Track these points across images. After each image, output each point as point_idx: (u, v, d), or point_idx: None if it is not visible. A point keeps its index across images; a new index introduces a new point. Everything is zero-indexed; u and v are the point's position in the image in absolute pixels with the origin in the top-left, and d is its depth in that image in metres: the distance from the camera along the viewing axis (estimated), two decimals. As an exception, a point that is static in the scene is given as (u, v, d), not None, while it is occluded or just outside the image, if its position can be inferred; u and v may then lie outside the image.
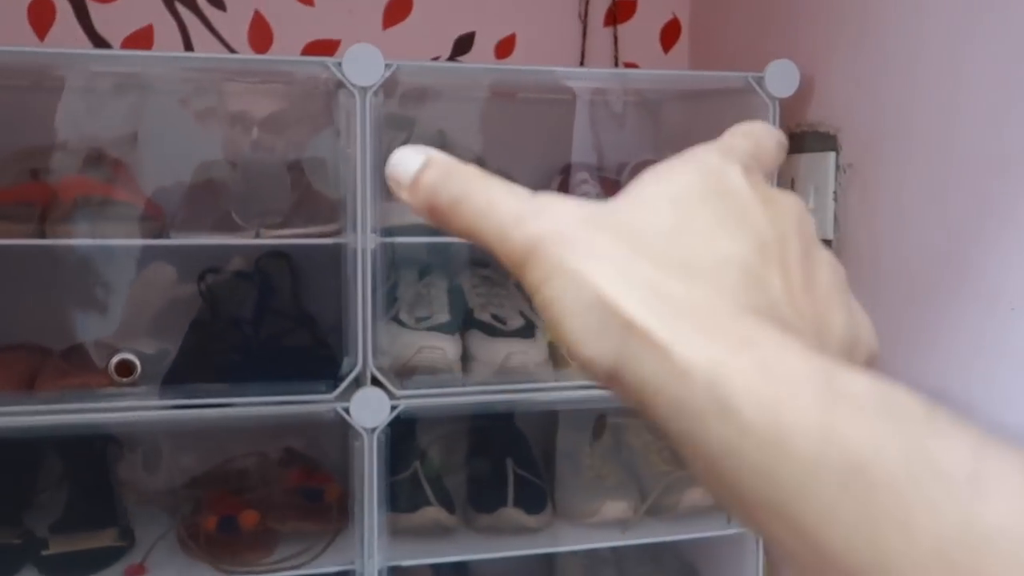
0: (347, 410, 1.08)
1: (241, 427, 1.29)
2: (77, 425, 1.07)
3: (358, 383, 1.10)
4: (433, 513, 1.19)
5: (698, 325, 0.25)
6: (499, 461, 1.28)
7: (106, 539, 1.16)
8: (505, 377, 1.17)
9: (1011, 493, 0.21)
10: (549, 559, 1.41)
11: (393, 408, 1.09)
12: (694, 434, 0.25)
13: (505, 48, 1.48)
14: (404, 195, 0.31)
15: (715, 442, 0.24)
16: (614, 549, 1.39)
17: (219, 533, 1.17)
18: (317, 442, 1.35)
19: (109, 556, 1.14)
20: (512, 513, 1.22)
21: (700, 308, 0.26)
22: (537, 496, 1.25)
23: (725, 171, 0.30)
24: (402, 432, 1.28)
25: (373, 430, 1.09)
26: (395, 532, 1.18)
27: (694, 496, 1.26)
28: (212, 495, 1.24)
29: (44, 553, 1.11)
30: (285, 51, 1.38)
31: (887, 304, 1.07)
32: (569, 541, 1.24)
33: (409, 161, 0.30)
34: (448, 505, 1.22)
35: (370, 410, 1.08)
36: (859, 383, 0.23)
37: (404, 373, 1.14)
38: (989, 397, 0.93)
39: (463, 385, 1.16)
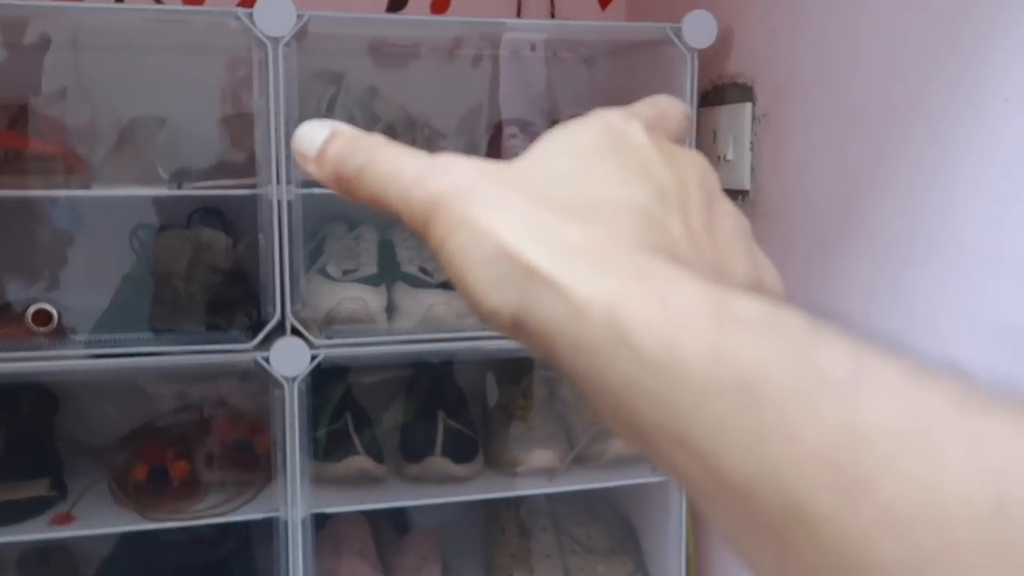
0: (267, 359, 1.10)
1: (173, 378, 1.31)
2: (3, 375, 1.09)
3: (281, 332, 1.12)
4: (360, 462, 1.21)
5: (596, 264, 0.26)
6: (430, 412, 1.30)
7: (38, 489, 1.18)
8: (428, 327, 1.19)
9: (889, 391, 0.21)
10: (487, 511, 1.44)
11: (313, 357, 1.11)
12: (596, 371, 0.25)
13: (441, 5, 1.48)
14: (311, 167, 0.31)
15: (616, 376, 0.24)
16: (549, 499, 1.42)
17: (149, 483, 1.19)
18: (251, 396, 1.37)
19: (40, 506, 1.16)
20: (439, 462, 1.24)
21: (598, 248, 0.26)
22: (466, 446, 1.28)
23: (627, 128, 0.31)
24: (332, 384, 1.31)
25: (293, 379, 1.10)
26: (322, 481, 1.20)
27: (619, 445, 1.28)
28: (145, 447, 1.26)
29: (-27, 501, 1.13)
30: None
31: (797, 251, 1.09)
32: (496, 490, 1.27)
33: (314, 134, 0.31)
34: (376, 455, 1.24)
35: (290, 359, 1.10)
36: (749, 306, 0.24)
37: (325, 323, 1.16)
38: (887, 337, 0.95)
39: (385, 335, 1.18)
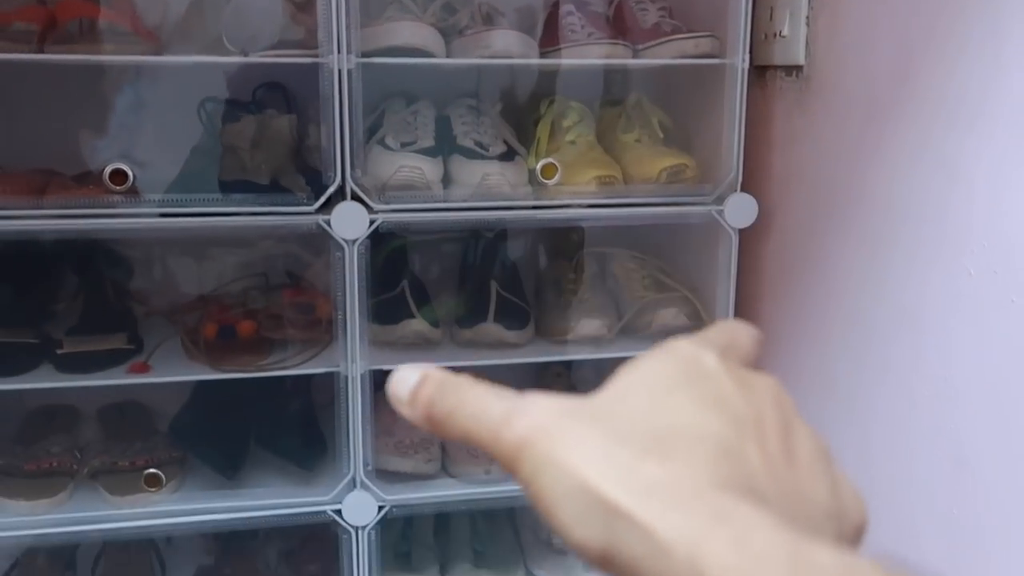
0: (328, 223, 1.15)
1: (240, 243, 1.37)
2: (85, 232, 1.16)
3: (341, 198, 1.17)
4: (416, 325, 1.27)
5: (676, 503, 0.27)
6: (484, 282, 1.35)
7: (116, 342, 1.26)
8: (482, 196, 1.22)
9: None
10: (537, 376, 1.50)
11: (372, 222, 1.16)
12: None
13: None
14: (405, 410, 0.33)
15: None
16: (596, 368, 1.47)
17: (218, 339, 1.27)
18: (314, 264, 1.43)
19: (117, 357, 1.24)
20: (492, 328, 1.29)
21: (677, 486, 0.28)
22: (518, 314, 1.33)
23: (699, 356, 0.32)
24: (391, 251, 1.36)
25: (353, 241, 1.16)
26: (380, 344, 1.26)
27: (666, 317, 1.32)
28: (213, 309, 1.34)
29: (59, 352, 1.22)
30: None
31: (849, 126, 1.10)
32: (546, 355, 1.32)
33: (407, 379, 0.34)
34: (432, 320, 1.30)
35: (350, 223, 1.15)
36: (824, 555, 0.25)
37: (384, 191, 1.20)
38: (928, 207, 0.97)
39: (441, 203, 1.22)
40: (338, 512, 1.22)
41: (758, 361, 0.37)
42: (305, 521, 1.22)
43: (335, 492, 1.22)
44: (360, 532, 1.23)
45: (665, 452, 0.29)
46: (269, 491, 1.25)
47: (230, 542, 1.44)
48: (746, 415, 0.30)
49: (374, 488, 1.23)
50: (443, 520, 1.47)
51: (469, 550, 1.40)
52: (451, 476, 1.31)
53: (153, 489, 1.20)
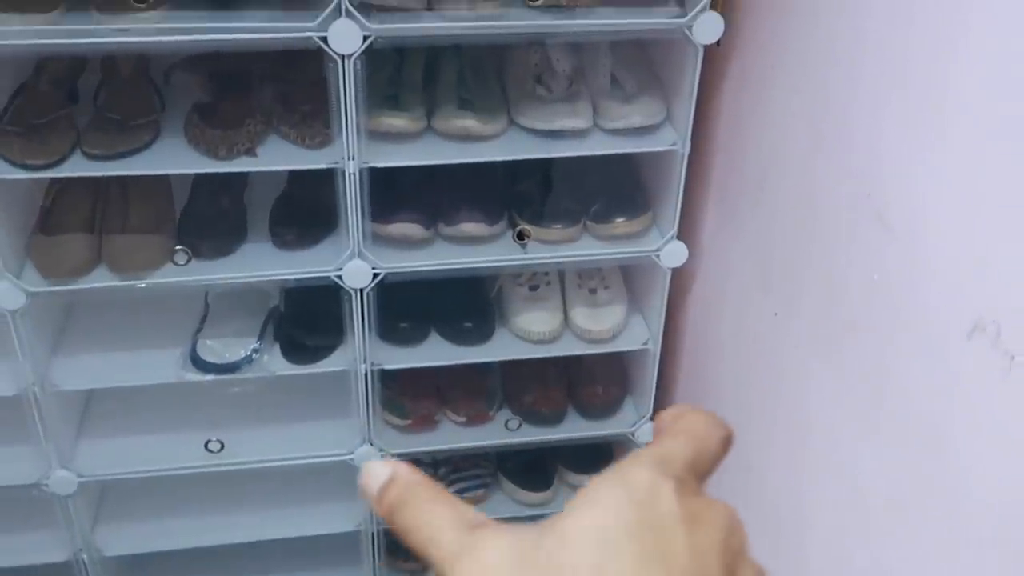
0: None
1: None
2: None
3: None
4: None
5: None
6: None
7: None
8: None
9: None
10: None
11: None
12: None
13: None
14: (372, 503, 0.37)
15: None
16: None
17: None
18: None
19: None
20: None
21: None
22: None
23: (656, 496, 0.32)
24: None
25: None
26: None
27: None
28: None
29: None
30: None
31: None
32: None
33: (377, 474, 0.37)
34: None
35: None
36: None
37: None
38: None
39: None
40: (324, 39, 1.25)
41: None
42: (294, 46, 1.26)
43: (321, 19, 1.24)
44: (346, 61, 1.27)
45: None
46: (258, 15, 1.27)
47: (226, 82, 1.49)
48: (692, 570, 0.31)
49: (359, 18, 1.24)
50: (431, 67, 1.51)
51: (455, 96, 1.45)
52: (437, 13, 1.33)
53: (141, 5, 1.22)
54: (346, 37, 1.25)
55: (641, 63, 1.54)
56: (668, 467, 0.34)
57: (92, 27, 1.24)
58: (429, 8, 1.32)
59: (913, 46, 0.95)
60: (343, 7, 1.24)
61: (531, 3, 1.29)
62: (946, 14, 0.89)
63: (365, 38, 1.26)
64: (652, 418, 1.72)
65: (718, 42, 1.34)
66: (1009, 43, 0.80)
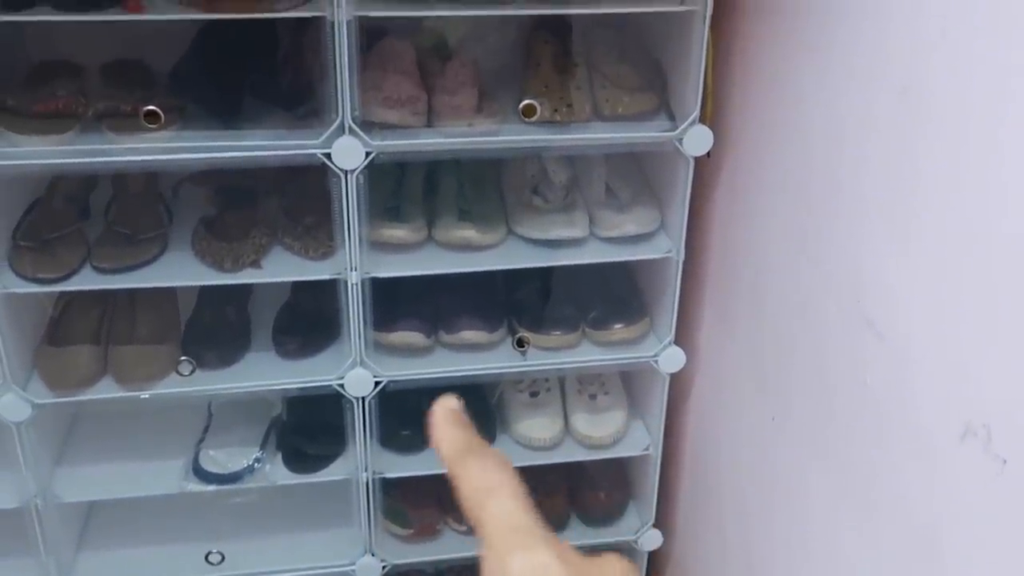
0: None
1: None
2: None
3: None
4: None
5: None
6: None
7: None
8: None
9: None
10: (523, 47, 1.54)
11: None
12: None
13: None
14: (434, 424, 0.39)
15: None
16: (586, 41, 1.51)
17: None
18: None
19: None
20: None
21: None
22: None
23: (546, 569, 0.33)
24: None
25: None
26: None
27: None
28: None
29: None
30: None
31: None
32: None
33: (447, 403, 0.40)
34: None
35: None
36: None
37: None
38: None
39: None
40: (328, 156, 1.30)
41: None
42: (298, 162, 1.31)
43: (324, 137, 1.29)
44: (349, 176, 1.31)
45: None
46: (265, 134, 1.32)
47: (232, 195, 1.54)
48: None
49: (362, 135, 1.30)
50: (432, 179, 1.55)
51: (455, 207, 1.50)
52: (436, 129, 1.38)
53: (153, 126, 1.27)
54: (349, 154, 1.30)
55: (635, 173, 1.59)
56: (528, 536, 0.34)
57: (105, 147, 1.30)
58: (429, 125, 1.38)
59: (889, 156, 0.99)
60: (346, 125, 1.29)
61: (527, 119, 1.34)
62: (917, 126, 0.93)
63: (367, 154, 1.30)
64: (655, 524, 1.71)
65: (708, 153, 1.39)
66: (972, 151, 0.84)
